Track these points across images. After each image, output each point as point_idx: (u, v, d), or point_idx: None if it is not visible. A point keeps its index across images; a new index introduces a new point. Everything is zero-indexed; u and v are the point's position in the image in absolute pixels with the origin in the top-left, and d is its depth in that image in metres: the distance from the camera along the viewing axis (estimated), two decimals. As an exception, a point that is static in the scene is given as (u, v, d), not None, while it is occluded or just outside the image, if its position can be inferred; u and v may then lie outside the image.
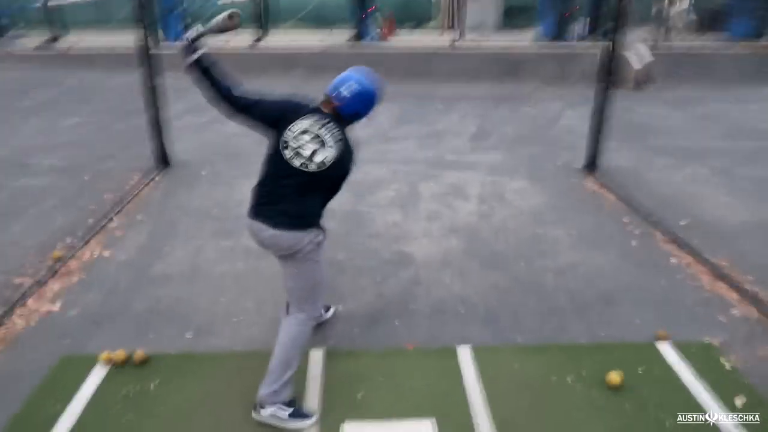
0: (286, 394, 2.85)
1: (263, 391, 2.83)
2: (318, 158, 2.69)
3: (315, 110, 2.77)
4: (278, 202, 2.76)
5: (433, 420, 2.85)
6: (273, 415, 2.82)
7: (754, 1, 13.16)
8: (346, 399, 3.02)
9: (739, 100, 9.75)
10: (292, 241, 2.75)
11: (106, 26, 15.48)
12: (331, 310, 3.77)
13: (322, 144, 2.70)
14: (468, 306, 3.93)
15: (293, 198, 2.74)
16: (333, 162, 2.71)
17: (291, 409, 2.83)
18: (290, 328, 2.88)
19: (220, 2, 15.56)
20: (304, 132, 2.70)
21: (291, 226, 2.74)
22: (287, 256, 2.82)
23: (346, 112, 2.78)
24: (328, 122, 2.74)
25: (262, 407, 2.83)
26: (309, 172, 2.70)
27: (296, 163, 2.69)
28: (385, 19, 14.95)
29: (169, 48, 13.39)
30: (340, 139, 2.74)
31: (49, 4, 14.69)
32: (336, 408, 2.96)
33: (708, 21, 13.93)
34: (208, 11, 16.47)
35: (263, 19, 13.69)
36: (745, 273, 4.27)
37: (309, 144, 2.69)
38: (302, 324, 2.90)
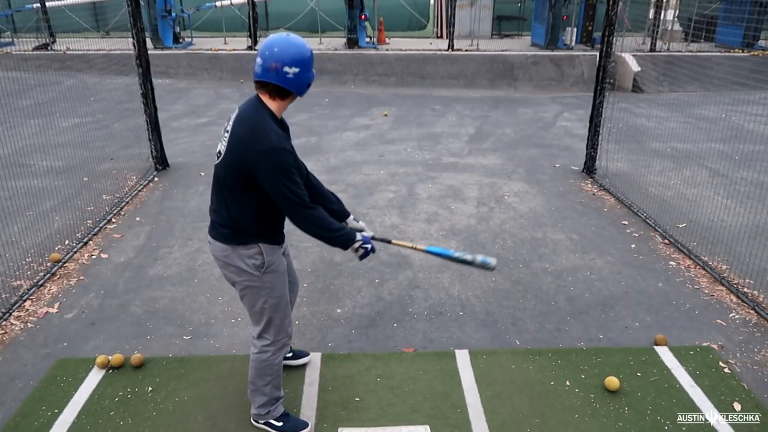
0: (274, 413, 2.79)
1: (251, 410, 2.82)
2: (218, 147, 2.41)
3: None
4: (210, 207, 2.57)
5: (428, 428, 2.84)
6: (266, 428, 2.82)
7: (742, 11, 13.21)
8: (343, 403, 3.01)
9: (736, 103, 9.76)
10: (219, 253, 2.50)
11: (101, 31, 15.48)
12: (305, 359, 3.32)
13: (225, 131, 2.39)
14: (466, 309, 3.92)
15: (213, 200, 2.52)
16: (227, 150, 2.33)
17: (281, 423, 2.79)
18: (251, 354, 2.68)
19: (217, 4, 15.53)
20: (226, 123, 2.44)
21: (216, 234, 2.50)
22: (223, 270, 2.56)
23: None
24: (243, 105, 2.41)
25: (255, 421, 2.83)
26: (215, 165, 2.43)
27: (215, 160, 2.44)
28: (374, 29, 15.06)
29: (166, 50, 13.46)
30: (242, 122, 2.33)
31: (48, 4, 14.65)
32: (332, 413, 2.95)
33: (695, 30, 14.02)
34: (201, 17, 16.49)
35: (251, 30, 13.70)
36: (744, 276, 4.27)
37: (223, 135, 2.42)
38: (260, 351, 2.63)
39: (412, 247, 2.98)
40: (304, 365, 3.28)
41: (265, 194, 2.32)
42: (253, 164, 2.24)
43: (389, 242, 2.95)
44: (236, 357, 3.38)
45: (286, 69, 2.24)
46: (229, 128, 2.36)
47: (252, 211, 2.39)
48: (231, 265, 2.48)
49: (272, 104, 2.33)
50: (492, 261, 2.99)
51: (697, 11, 14.99)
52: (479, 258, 2.98)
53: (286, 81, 2.27)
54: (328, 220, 2.45)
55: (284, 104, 2.36)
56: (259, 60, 2.28)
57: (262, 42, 2.33)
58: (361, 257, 2.63)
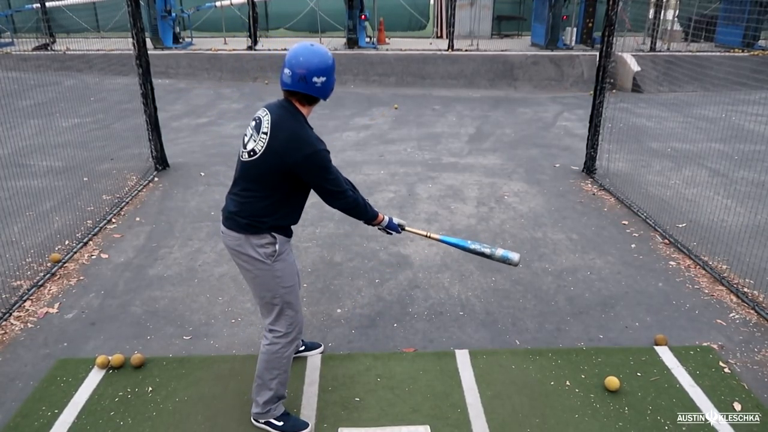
0: (275, 413, 2.80)
1: (252, 409, 2.83)
2: (250, 146, 2.48)
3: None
4: (227, 198, 2.65)
5: (428, 428, 2.84)
6: (266, 427, 2.81)
7: (741, 11, 13.21)
8: (343, 403, 3.01)
9: (736, 103, 9.76)
10: (232, 243, 2.57)
11: (101, 31, 15.48)
12: (316, 351, 3.43)
13: (257, 130, 2.48)
14: (466, 309, 3.92)
15: (236, 192, 2.58)
16: (266, 151, 2.42)
17: (281, 423, 2.79)
18: (262, 346, 2.71)
19: (217, 4, 15.53)
20: (256, 122, 2.53)
21: (231, 224, 2.56)
22: (236, 258, 2.65)
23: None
24: (276, 108, 2.52)
25: (256, 420, 2.83)
26: (242, 161, 2.52)
27: (243, 156, 2.53)
28: (374, 29, 15.07)
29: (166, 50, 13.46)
30: (282, 128, 2.44)
31: (48, 4, 14.64)
32: (332, 413, 2.95)
33: (695, 30, 14.03)
34: (201, 17, 16.49)
35: (251, 30, 13.71)
36: (744, 276, 4.27)
37: (249, 131, 2.53)
38: (271, 343, 2.68)
39: (425, 235, 3.04)
40: (304, 365, 3.28)
41: (293, 191, 2.53)
42: (299, 166, 2.42)
43: (403, 228, 2.98)
44: (236, 357, 3.38)
45: (315, 79, 2.41)
46: (267, 131, 2.44)
47: (276, 206, 2.53)
48: (243, 253, 2.56)
49: (303, 109, 2.51)
50: (514, 256, 2.98)
51: (697, 11, 14.99)
52: (499, 252, 2.98)
53: (314, 90, 2.45)
54: (358, 200, 2.70)
55: (312, 108, 2.54)
56: (287, 71, 2.42)
57: (289, 53, 2.43)
58: (387, 232, 2.95)
